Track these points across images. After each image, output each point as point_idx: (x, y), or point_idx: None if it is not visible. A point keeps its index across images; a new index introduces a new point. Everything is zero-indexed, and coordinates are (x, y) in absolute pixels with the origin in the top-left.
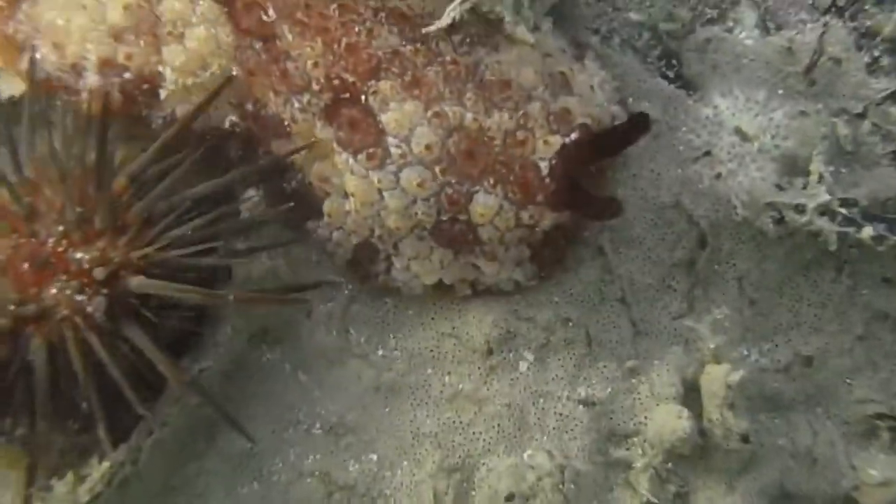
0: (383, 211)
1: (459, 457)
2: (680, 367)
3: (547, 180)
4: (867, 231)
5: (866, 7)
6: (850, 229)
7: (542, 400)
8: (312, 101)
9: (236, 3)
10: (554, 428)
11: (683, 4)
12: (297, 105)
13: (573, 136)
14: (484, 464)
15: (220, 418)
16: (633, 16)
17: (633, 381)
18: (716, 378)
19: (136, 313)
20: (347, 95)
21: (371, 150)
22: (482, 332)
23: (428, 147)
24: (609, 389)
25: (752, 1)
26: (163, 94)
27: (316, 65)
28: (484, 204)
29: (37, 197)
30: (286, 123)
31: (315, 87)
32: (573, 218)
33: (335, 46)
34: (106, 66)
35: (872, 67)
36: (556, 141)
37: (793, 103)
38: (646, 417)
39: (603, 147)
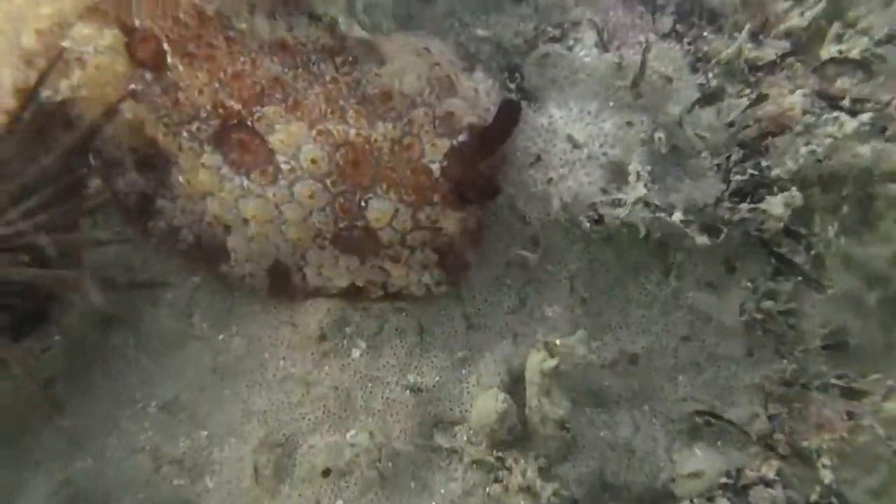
0: (283, 226)
1: (283, 434)
2: (507, 358)
3: (440, 181)
4: (677, 216)
5: (704, 34)
6: (662, 214)
7: (370, 384)
8: (201, 127)
9: (135, 34)
10: (379, 411)
11: (527, 23)
12: (185, 135)
13: (462, 136)
14: (307, 442)
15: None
16: (480, 32)
17: (463, 371)
18: (533, 366)
19: None
20: (235, 122)
21: (263, 168)
22: (316, 319)
23: (314, 161)
24: (438, 378)
25: (592, 22)
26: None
27: (201, 92)
28: (378, 209)
29: None
30: (174, 158)
31: (203, 114)
32: (476, 221)
33: (221, 75)
34: (19, 92)
35: (704, 88)
36: (444, 143)
37: (621, 114)
38: (471, 406)
39: (489, 141)
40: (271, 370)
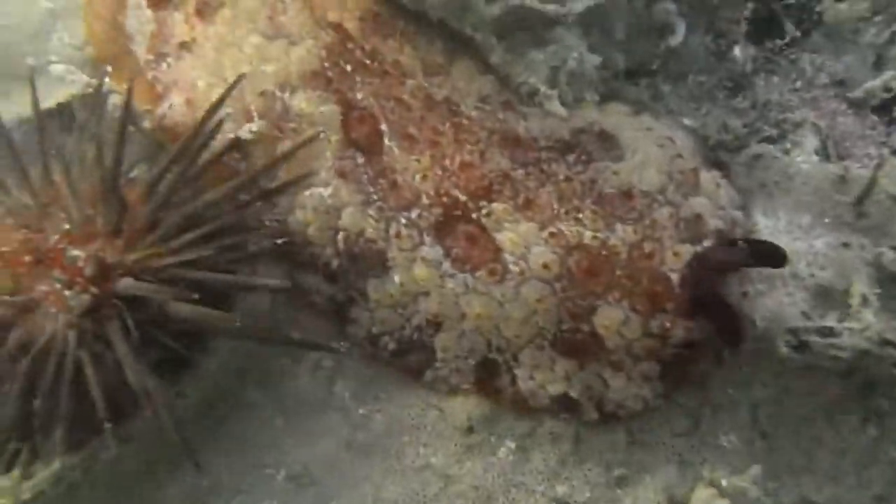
0: (502, 322)
1: None
2: (670, 485)
3: (678, 290)
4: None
5: None
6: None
7: (514, 490)
8: (423, 214)
9: (352, 112)
10: None
11: (740, 117)
12: (403, 221)
13: (706, 243)
14: None
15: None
16: (687, 121)
17: (619, 491)
18: (699, 502)
19: (124, 322)
20: (459, 213)
21: (491, 266)
22: (466, 408)
23: (546, 266)
24: (589, 494)
25: (815, 126)
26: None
27: (425, 178)
28: (608, 316)
29: (55, 198)
30: (388, 256)
31: (425, 201)
32: (705, 331)
33: (447, 162)
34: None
35: None
36: (687, 251)
37: (838, 233)
38: None
39: (738, 259)
40: (410, 456)
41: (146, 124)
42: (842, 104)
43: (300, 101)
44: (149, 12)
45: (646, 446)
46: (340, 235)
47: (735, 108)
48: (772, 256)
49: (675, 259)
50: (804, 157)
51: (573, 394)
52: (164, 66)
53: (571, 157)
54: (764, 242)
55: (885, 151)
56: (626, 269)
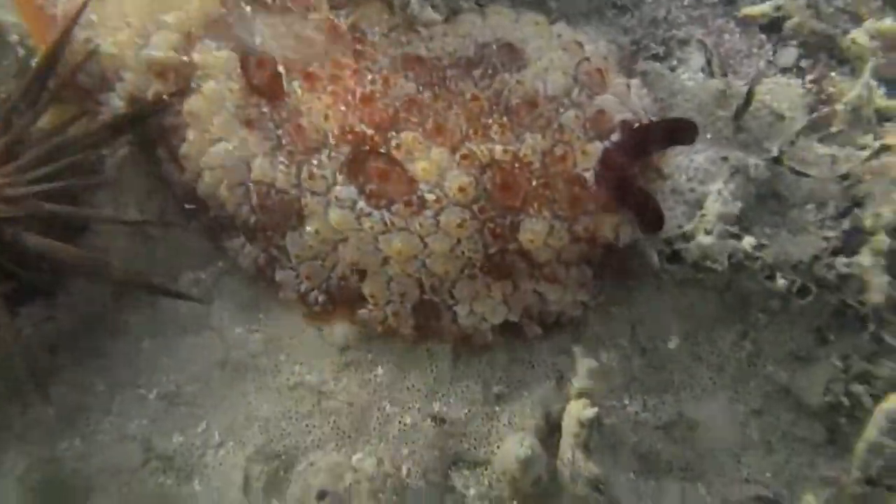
0: (429, 259)
1: (284, 445)
2: (547, 400)
3: (594, 188)
4: (748, 241)
5: (832, 74)
6: (733, 242)
7: (389, 406)
8: (332, 154)
9: (250, 57)
10: (394, 437)
11: (628, 35)
12: (314, 163)
13: (614, 136)
14: (307, 458)
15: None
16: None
17: (497, 408)
18: (570, 414)
19: None
20: (367, 148)
21: (406, 198)
22: (344, 327)
23: (462, 189)
24: (466, 411)
25: (702, 43)
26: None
27: (327, 117)
28: (531, 230)
29: None
30: (302, 204)
31: (332, 140)
32: (631, 226)
33: (349, 97)
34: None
35: (821, 133)
36: (596, 148)
37: (717, 148)
38: (498, 447)
39: (647, 142)
40: (285, 374)
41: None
42: (729, 22)
43: (198, 52)
44: None
45: (525, 364)
46: (253, 189)
47: (623, 25)
48: (681, 130)
49: (585, 158)
50: (689, 73)
51: (513, 317)
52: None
53: (477, 73)
54: (672, 118)
55: (775, 72)
56: (541, 178)
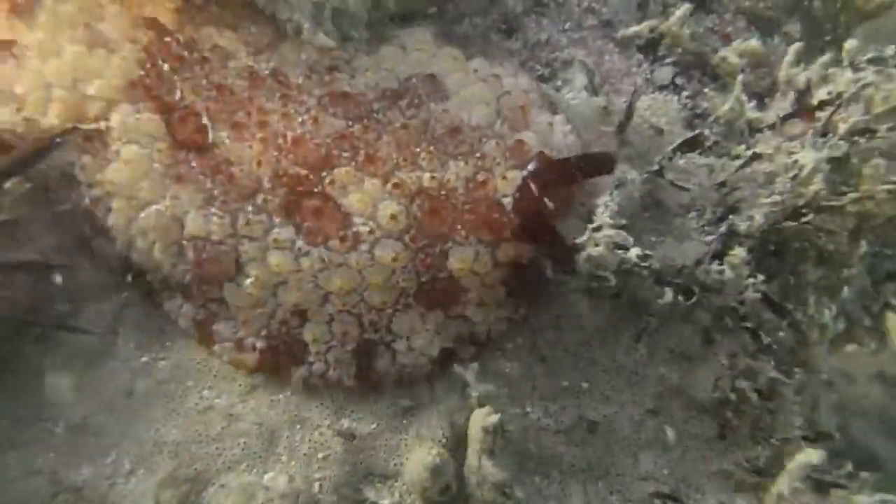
0: (366, 292)
1: (195, 469)
2: (452, 411)
3: (511, 215)
4: (634, 251)
5: (705, 91)
6: (621, 252)
7: (299, 426)
8: (267, 198)
9: (173, 113)
10: (304, 454)
11: (513, 57)
12: (249, 209)
13: (530, 166)
14: (219, 480)
15: None
16: None
17: (404, 421)
18: (475, 422)
19: None
20: (303, 189)
21: (342, 233)
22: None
23: (394, 216)
24: (375, 426)
25: (583, 64)
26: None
27: (260, 163)
28: (460, 258)
29: None
30: (239, 252)
31: (267, 184)
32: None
33: (280, 141)
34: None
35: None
36: (515, 175)
37: None
38: (406, 459)
39: (561, 175)
40: (193, 399)
41: None
42: (608, 43)
43: (117, 119)
44: None
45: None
46: (188, 245)
47: (508, 48)
48: (600, 162)
49: (504, 183)
50: (574, 93)
51: (447, 344)
52: None
53: (404, 103)
54: (591, 154)
55: (651, 90)
56: (465, 204)
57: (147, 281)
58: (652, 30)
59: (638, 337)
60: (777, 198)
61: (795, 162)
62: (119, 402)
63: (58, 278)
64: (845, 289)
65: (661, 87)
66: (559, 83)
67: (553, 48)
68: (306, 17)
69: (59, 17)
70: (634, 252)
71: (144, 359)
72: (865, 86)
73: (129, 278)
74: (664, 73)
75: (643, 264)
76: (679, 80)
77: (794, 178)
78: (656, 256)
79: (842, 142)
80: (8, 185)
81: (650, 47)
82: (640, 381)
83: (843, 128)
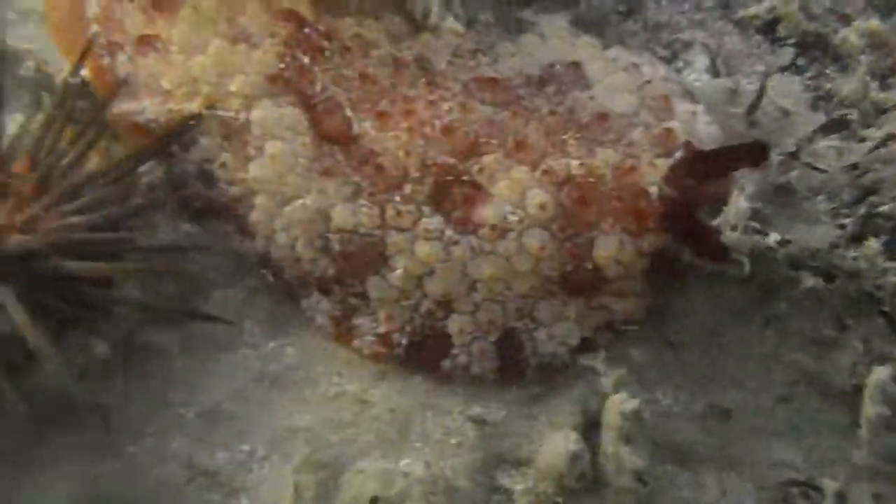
0: (514, 280)
1: (331, 455)
2: (583, 398)
3: (657, 203)
4: (773, 237)
5: (827, 71)
6: (760, 238)
7: (430, 412)
8: (416, 188)
9: (316, 106)
10: (437, 441)
11: (634, 38)
12: (398, 199)
13: (678, 154)
14: (355, 465)
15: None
16: None
17: (535, 408)
18: (611, 408)
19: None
20: (451, 177)
21: (493, 223)
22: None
23: (542, 206)
24: (505, 413)
25: (705, 46)
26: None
27: (408, 153)
28: (605, 247)
29: None
30: (386, 244)
31: (414, 174)
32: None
33: (426, 129)
34: None
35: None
36: (663, 163)
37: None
38: (540, 445)
39: (711, 165)
40: (323, 385)
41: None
42: (727, 24)
43: (258, 115)
44: None
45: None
46: (335, 237)
47: (628, 30)
48: (752, 153)
49: (652, 171)
50: (696, 74)
51: (587, 334)
52: (122, 57)
53: (550, 90)
54: (744, 144)
55: (771, 68)
56: (613, 190)
57: (284, 279)
58: (770, 10)
59: (767, 322)
60: None
61: None
62: (250, 388)
63: (190, 265)
64: None
65: (782, 69)
66: (680, 64)
67: (673, 30)
68: (435, 1)
69: (200, 12)
70: (773, 237)
71: (272, 345)
72: None
73: (270, 276)
74: (785, 54)
75: (779, 248)
76: (800, 62)
77: None
78: (791, 241)
79: None
80: (144, 168)
81: (769, 28)
82: (771, 368)
83: None
